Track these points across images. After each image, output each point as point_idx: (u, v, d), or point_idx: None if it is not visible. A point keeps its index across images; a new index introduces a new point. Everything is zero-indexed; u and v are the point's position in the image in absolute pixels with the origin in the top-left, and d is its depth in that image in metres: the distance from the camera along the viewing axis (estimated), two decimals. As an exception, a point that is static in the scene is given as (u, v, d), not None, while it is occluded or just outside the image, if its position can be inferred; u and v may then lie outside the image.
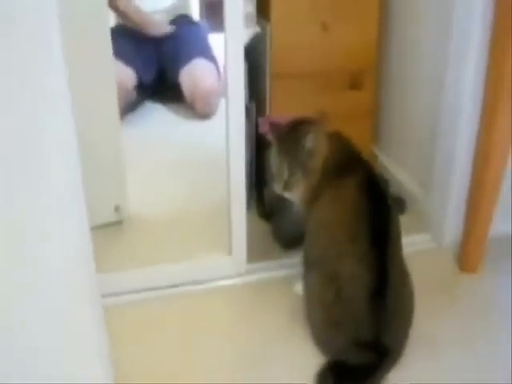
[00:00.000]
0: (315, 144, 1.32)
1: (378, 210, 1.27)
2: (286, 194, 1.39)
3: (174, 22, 2.69)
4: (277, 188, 1.37)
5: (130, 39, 2.52)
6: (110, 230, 1.74)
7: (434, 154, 1.73)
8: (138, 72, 2.49)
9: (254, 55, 1.75)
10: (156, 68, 2.61)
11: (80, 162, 0.91)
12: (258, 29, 1.78)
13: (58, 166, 0.87)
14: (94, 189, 1.59)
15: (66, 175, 0.89)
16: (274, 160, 1.37)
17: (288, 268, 1.59)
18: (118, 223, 1.78)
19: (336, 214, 1.30)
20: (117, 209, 1.76)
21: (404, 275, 1.30)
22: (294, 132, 1.35)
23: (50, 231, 0.89)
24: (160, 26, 2.62)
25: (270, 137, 1.39)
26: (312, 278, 1.32)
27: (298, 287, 1.46)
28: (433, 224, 1.75)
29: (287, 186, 1.36)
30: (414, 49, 1.87)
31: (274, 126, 1.39)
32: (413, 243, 1.67)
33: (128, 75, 2.44)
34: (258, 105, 1.82)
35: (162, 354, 1.35)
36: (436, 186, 1.74)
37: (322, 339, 1.33)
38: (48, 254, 0.90)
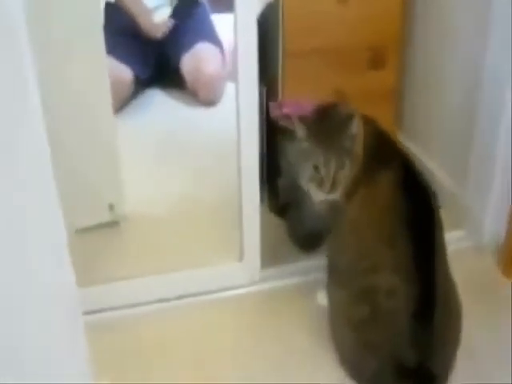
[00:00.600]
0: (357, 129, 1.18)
1: (418, 208, 1.13)
2: (332, 196, 1.19)
3: (176, 9, 2.52)
4: (320, 193, 1.18)
5: (125, 31, 2.38)
6: (104, 231, 1.62)
7: (470, 141, 1.59)
8: (134, 67, 2.37)
9: (264, 30, 1.59)
10: (155, 59, 2.49)
11: (52, 167, 0.81)
12: None
13: (27, 171, 0.77)
14: (86, 185, 1.53)
15: (38, 178, 0.80)
16: (314, 158, 1.17)
17: (308, 273, 1.47)
18: (114, 224, 1.66)
19: (370, 214, 1.16)
20: (111, 207, 1.64)
21: (451, 286, 1.16)
22: (332, 120, 1.19)
23: (19, 238, 0.78)
24: (160, 27, 2.46)
25: (301, 132, 1.20)
26: (339, 290, 1.19)
27: (322, 296, 1.32)
28: (469, 220, 1.62)
29: (335, 184, 1.17)
30: (446, 21, 1.71)
31: (301, 119, 1.20)
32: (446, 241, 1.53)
33: (123, 72, 2.32)
34: (269, 86, 1.69)
35: (167, 373, 1.26)
36: (473, 178, 1.61)
37: (351, 362, 1.19)
38: (17, 264, 0.79)
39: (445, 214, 1.59)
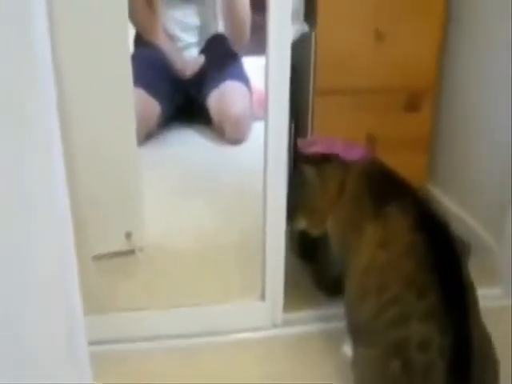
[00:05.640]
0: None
1: (441, 250, 1.07)
2: None
3: (206, 46, 2.58)
4: None
5: (154, 64, 2.39)
6: (118, 260, 1.59)
7: (507, 193, 1.52)
8: (161, 101, 2.38)
9: (295, 63, 1.56)
10: (183, 94, 2.50)
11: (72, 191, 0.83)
12: (305, 27, 1.57)
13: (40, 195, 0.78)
14: (105, 212, 1.52)
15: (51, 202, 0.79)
16: None
17: (333, 320, 1.39)
18: (130, 253, 1.63)
19: (388, 257, 1.10)
20: (128, 236, 1.62)
21: (486, 338, 1.07)
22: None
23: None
24: (191, 65, 2.49)
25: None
26: (365, 348, 1.09)
27: (347, 347, 1.23)
28: (505, 276, 1.54)
29: None
30: (483, 68, 1.68)
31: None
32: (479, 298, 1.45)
33: (151, 104, 2.34)
34: (298, 121, 1.65)
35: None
36: (510, 232, 1.52)
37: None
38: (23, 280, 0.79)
39: (478, 269, 1.54)
